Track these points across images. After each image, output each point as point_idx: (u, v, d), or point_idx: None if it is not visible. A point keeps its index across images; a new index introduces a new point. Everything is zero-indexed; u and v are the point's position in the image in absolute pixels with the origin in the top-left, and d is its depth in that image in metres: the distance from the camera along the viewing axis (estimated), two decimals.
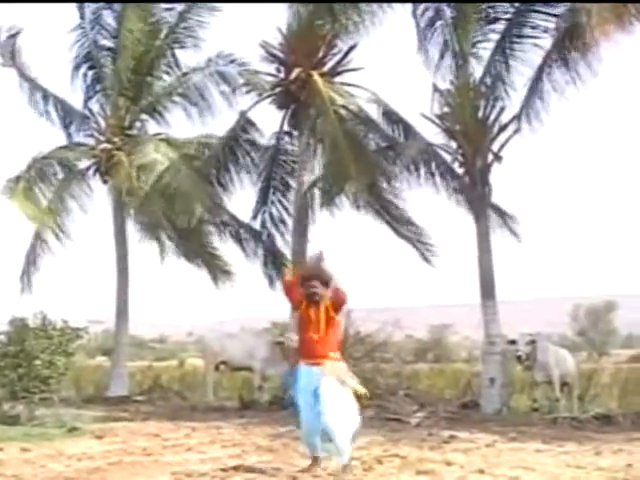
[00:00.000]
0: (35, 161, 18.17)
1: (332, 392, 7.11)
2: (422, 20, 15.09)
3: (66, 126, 18.98)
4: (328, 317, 7.38)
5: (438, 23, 15.01)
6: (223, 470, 7.26)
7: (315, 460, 7.43)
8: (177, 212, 16.56)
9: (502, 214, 16.19)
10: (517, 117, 14.57)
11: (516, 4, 14.91)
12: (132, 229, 18.62)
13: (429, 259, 17.17)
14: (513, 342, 14.02)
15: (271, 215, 18.26)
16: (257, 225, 18.35)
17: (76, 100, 19.09)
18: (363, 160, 15.21)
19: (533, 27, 14.77)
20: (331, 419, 7.01)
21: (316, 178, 16.78)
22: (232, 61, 18.06)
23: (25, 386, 12.34)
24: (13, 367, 12.42)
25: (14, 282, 18.25)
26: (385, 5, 15.34)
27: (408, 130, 16.17)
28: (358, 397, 7.42)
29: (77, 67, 18.94)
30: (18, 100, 18.49)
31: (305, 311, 7.45)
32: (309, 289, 7.40)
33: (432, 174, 15.58)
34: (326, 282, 7.43)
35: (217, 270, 18.88)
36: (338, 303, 7.48)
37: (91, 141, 19.02)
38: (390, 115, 16.43)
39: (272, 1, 16.89)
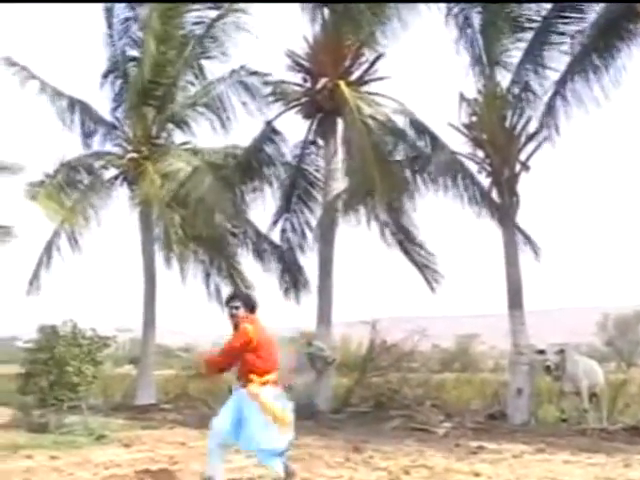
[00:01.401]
0: (62, 166, 18.31)
1: (253, 417, 6.75)
2: (452, 28, 15.07)
3: (90, 135, 19.08)
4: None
5: (468, 31, 14.97)
6: (250, 479, 7.22)
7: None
8: (200, 221, 16.61)
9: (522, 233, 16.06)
10: (543, 125, 14.51)
11: (543, 12, 14.82)
12: (158, 238, 18.69)
13: (433, 286, 17.35)
14: (542, 352, 13.88)
15: (292, 224, 18.28)
16: (276, 234, 18.45)
17: (103, 109, 19.29)
18: (388, 172, 15.21)
19: (561, 33, 14.70)
20: (249, 442, 6.76)
21: (341, 191, 16.78)
22: (255, 72, 18.05)
23: (55, 394, 12.38)
24: (43, 374, 12.48)
25: (41, 290, 18.33)
26: (411, 13, 15.37)
27: (435, 140, 16.13)
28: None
29: (105, 76, 19.10)
30: (40, 107, 18.60)
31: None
32: (231, 310, 7.09)
33: (458, 184, 15.55)
34: (246, 303, 7.14)
35: (240, 279, 18.99)
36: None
37: (118, 150, 19.13)
38: (417, 125, 16.41)
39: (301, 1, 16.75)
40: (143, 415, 15.45)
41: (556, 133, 14.44)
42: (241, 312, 7.01)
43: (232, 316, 7.03)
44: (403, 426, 13.27)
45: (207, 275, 19.40)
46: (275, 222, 18.30)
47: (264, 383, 6.82)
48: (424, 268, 17.32)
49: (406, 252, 17.37)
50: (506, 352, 17.61)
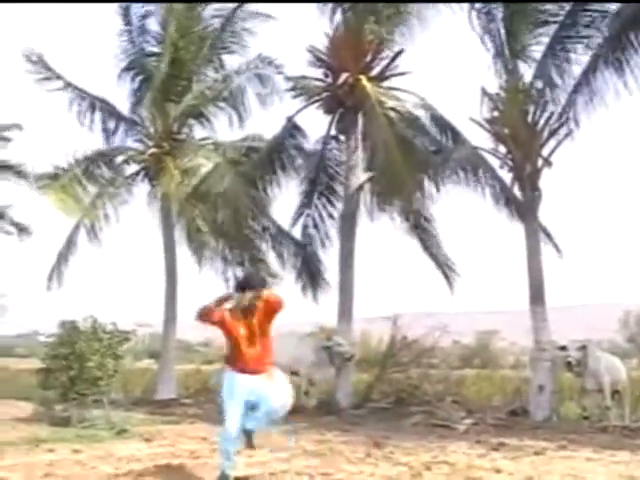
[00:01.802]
0: (82, 160, 18.34)
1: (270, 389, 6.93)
2: (474, 23, 14.96)
3: (110, 132, 19.16)
4: (262, 328, 7.01)
5: (490, 25, 14.86)
6: (272, 474, 7.29)
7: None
8: (220, 216, 16.61)
9: (543, 229, 15.97)
10: (566, 120, 14.40)
11: (566, 6, 14.68)
12: (179, 234, 18.75)
13: (452, 285, 17.45)
14: (563, 348, 13.75)
15: (314, 219, 18.28)
16: (297, 229, 18.46)
17: (122, 105, 19.38)
18: (415, 163, 15.21)
19: (585, 26, 14.52)
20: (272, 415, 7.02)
21: (362, 182, 16.74)
22: (277, 66, 18.00)
23: (76, 388, 12.47)
24: (64, 369, 12.57)
25: (60, 285, 18.44)
26: (431, 10, 15.32)
27: (456, 135, 16.10)
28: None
29: (124, 73, 19.21)
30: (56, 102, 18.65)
31: (232, 325, 7.00)
32: (243, 299, 6.94)
33: (479, 179, 15.54)
34: (258, 292, 6.95)
35: (266, 273, 18.97)
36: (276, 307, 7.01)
37: (139, 146, 19.24)
38: (438, 120, 16.37)
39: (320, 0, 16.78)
40: (164, 410, 15.50)
41: (578, 128, 14.38)
42: (252, 301, 6.92)
43: (243, 305, 6.91)
44: (424, 422, 13.21)
45: (227, 269, 19.42)
46: (297, 218, 18.33)
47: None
48: (444, 265, 17.28)
49: (426, 248, 17.33)
50: (527, 349, 17.59)
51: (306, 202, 18.27)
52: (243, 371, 6.92)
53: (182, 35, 18.00)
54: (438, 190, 16.00)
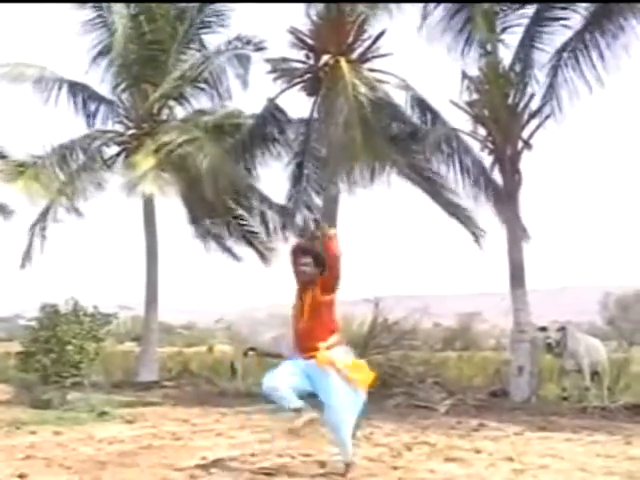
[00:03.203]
0: (58, 147, 18.21)
1: (335, 386, 6.31)
2: (448, 9, 14.90)
3: (91, 114, 18.98)
4: (315, 302, 6.34)
5: (464, 10, 14.75)
6: (253, 455, 7.27)
7: (299, 412, 6.39)
8: (203, 191, 16.47)
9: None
10: (545, 102, 14.44)
11: None
12: (160, 215, 18.64)
13: (479, 240, 16.92)
14: (543, 329, 13.85)
15: (306, 203, 18.17)
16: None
17: (100, 88, 19.16)
18: (374, 145, 14.96)
19: (563, 8, 14.55)
20: (336, 414, 6.36)
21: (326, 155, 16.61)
22: (257, 46, 17.74)
23: (57, 371, 12.47)
24: (45, 352, 12.54)
25: (42, 270, 18.33)
26: None
27: (436, 117, 16.09)
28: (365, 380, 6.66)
29: (99, 56, 18.93)
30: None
31: (296, 295, 6.48)
32: (297, 267, 6.40)
33: (456, 161, 15.59)
34: (318, 260, 6.37)
35: (262, 248, 18.98)
36: (332, 281, 6.40)
37: (119, 128, 19.10)
38: (418, 101, 16.34)
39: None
40: (145, 392, 15.51)
41: (558, 110, 14.43)
42: (311, 270, 6.35)
43: (300, 273, 6.38)
44: (405, 403, 13.24)
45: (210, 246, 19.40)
46: (288, 201, 18.24)
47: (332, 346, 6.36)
48: (467, 220, 16.91)
49: (446, 208, 16.95)
50: (507, 331, 17.63)
51: (296, 186, 18.14)
52: (296, 349, 6.41)
53: (153, 19, 17.84)
54: (408, 173, 15.99)
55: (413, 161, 16.05)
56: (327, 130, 16.39)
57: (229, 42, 17.78)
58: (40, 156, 17.98)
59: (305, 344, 6.32)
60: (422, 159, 15.97)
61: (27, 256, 17.96)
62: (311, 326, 6.30)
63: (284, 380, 6.25)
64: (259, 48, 17.30)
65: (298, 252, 6.47)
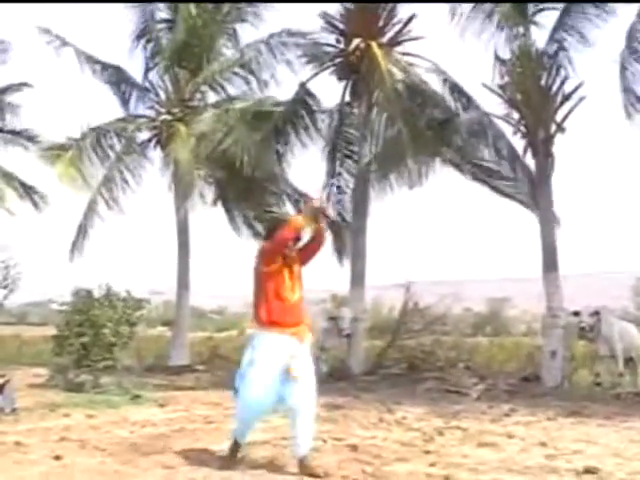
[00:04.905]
0: (91, 130, 18.18)
1: (307, 368, 6.16)
2: None
3: (125, 99, 19.05)
4: (300, 276, 6.35)
5: None
6: (285, 439, 7.26)
7: (236, 449, 6.43)
8: (236, 180, 16.44)
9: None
10: (580, 85, 14.29)
11: None
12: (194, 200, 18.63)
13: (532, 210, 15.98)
14: (576, 314, 13.69)
15: (339, 188, 18.03)
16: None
17: (136, 73, 19.23)
18: (419, 138, 14.95)
19: None
20: (303, 401, 6.08)
21: (375, 153, 16.57)
22: (292, 33, 17.73)
23: (90, 354, 12.54)
24: (78, 336, 12.62)
25: (82, 255, 18.39)
26: None
27: (469, 101, 15.93)
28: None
29: (136, 40, 19.03)
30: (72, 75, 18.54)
31: (278, 269, 6.22)
32: (289, 246, 6.26)
33: (491, 145, 15.48)
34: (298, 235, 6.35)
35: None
36: (312, 253, 6.45)
37: (151, 113, 19.12)
38: (450, 85, 16.18)
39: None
40: (177, 376, 15.58)
41: (594, 93, 14.27)
42: (292, 245, 6.30)
43: (290, 249, 6.27)
44: (436, 388, 13.24)
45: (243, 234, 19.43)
46: (324, 188, 18.12)
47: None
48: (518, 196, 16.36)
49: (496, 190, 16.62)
50: (538, 316, 17.56)
51: (331, 170, 17.96)
52: (275, 327, 6.13)
53: (196, 3, 17.85)
54: (447, 158, 15.88)
55: (452, 146, 15.89)
56: (364, 119, 16.35)
57: (272, 34, 17.72)
58: (76, 139, 17.98)
59: (295, 318, 6.20)
60: (460, 143, 15.77)
61: (75, 249, 18.08)
62: (300, 299, 6.27)
63: (257, 415, 6.33)
64: (294, 38, 17.29)
65: (298, 235, 6.32)
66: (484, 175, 16.27)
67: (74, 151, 17.65)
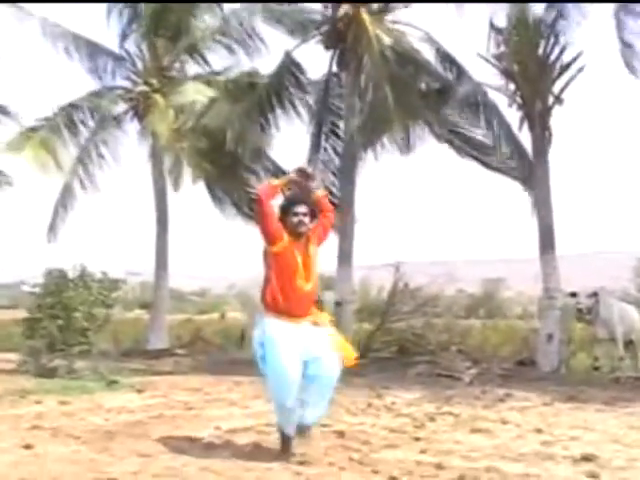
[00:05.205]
0: (61, 109, 17.66)
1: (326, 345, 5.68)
2: None
3: (98, 70, 18.32)
4: (314, 260, 5.79)
5: None
6: (268, 425, 6.87)
7: (288, 442, 5.80)
8: (216, 154, 15.91)
9: None
10: (579, 55, 13.95)
11: None
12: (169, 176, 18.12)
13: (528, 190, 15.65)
14: (574, 295, 13.53)
15: (324, 163, 17.58)
16: None
17: (111, 42, 18.65)
18: (407, 104, 14.54)
19: None
20: (325, 370, 5.60)
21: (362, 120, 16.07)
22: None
23: (64, 338, 12.14)
24: (51, 319, 12.21)
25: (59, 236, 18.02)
26: None
27: (462, 71, 15.61)
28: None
29: (112, 6, 18.24)
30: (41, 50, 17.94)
31: (288, 250, 5.62)
32: (294, 218, 5.65)
33: (485, 118, 15.26)
34: (313, 210, 5.80)
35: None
36: (324, 234, 5.98)
37: (127, 84, 18.54)
38: (443, 55, 15.81)
39: None
40: (155, 360, 15.23)
41: (592, 63, 13.90)
42: (309, 221, 5.68)
43: (300, 224, 5.63)
44: (427, 372, 12.98)
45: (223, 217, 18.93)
46: (309, 163, 17.61)
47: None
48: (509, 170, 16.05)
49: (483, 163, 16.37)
50: (534, 298, 17.33)
51: (315, 144, 17.51)
52: (285, 316, 5.62)
53: None
54: (438, 131, 15.54)
55: (444, 118, 15.61)
56: (352, 88, 15.90)
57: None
58: (48, 118, 17.46)
59: (307, 307, 5.76)
60: (452, 115, 15.37)
61: (52, 231, 17.81)
62: (313, 290, 5.77)
63: (294, 389, 5.54)
64: (283, 10, 16.77)
65: (296, 200, 5.75)
66: (475, 150, 15.97)
67: (45, 133, 17.10)
